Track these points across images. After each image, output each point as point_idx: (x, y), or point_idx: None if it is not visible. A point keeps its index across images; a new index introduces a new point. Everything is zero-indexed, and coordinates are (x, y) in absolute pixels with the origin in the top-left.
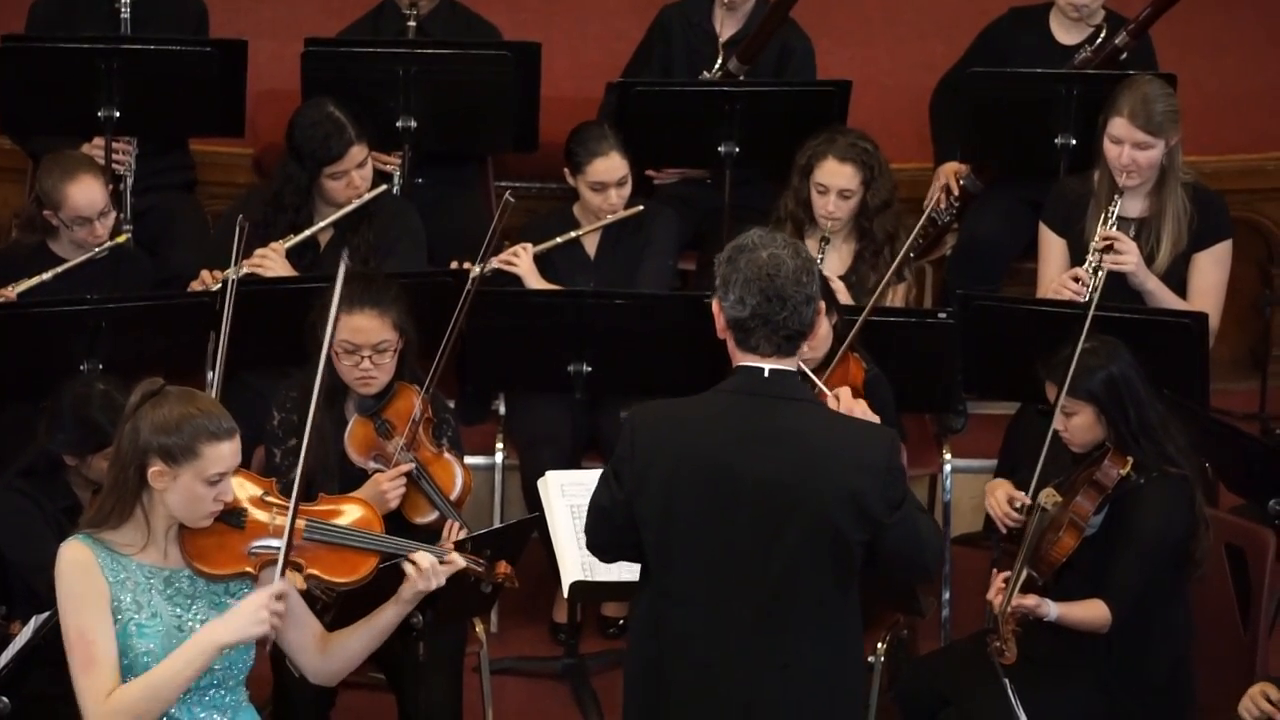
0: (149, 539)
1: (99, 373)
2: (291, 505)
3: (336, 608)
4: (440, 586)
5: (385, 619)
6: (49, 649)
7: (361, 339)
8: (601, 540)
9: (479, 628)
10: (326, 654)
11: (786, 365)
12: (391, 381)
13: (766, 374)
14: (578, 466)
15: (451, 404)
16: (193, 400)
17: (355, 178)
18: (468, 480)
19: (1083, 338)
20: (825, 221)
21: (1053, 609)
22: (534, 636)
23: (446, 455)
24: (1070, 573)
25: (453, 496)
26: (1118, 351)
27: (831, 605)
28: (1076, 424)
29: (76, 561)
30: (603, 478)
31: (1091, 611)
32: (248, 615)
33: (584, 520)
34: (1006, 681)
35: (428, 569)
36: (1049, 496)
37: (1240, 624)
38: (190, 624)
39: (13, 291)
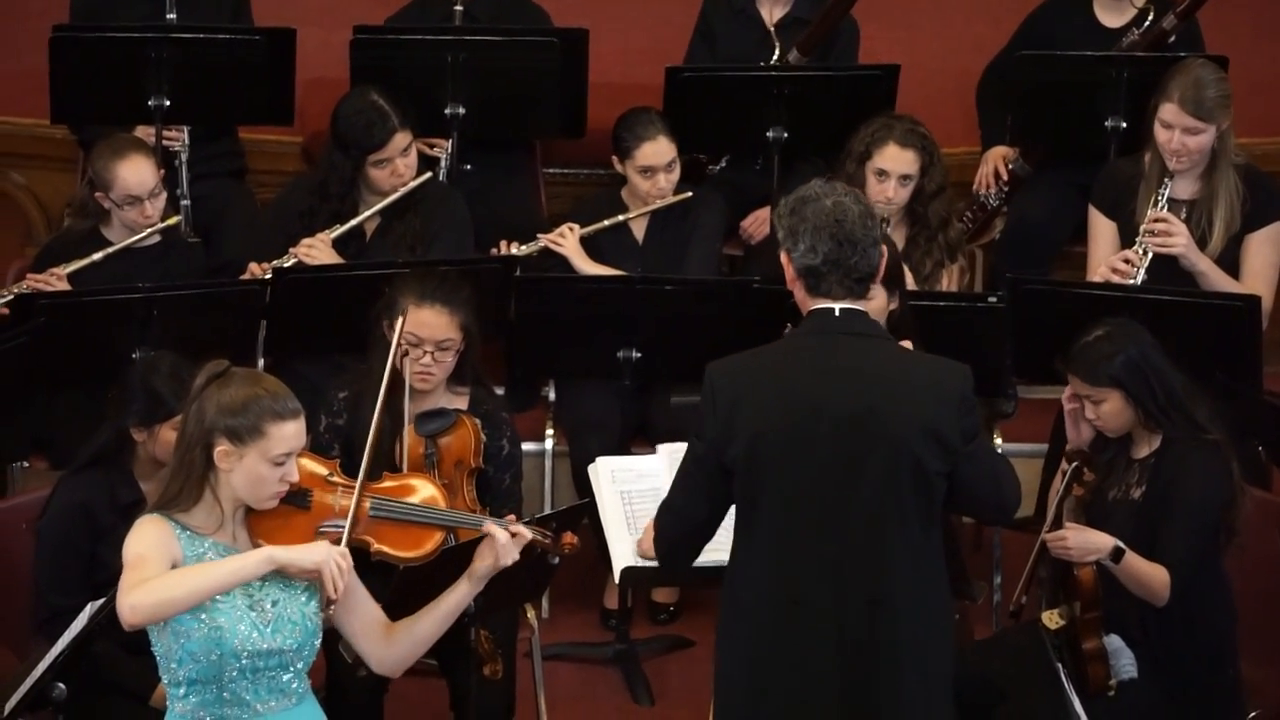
0: (222, 520)
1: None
2: (359, 481)
3: (394, 593)
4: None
5: (455, 598)
6: (104, 636)
7: (426, 333)
8: (692, 507)
9: (530, 613)
10: (391, 640)
11: (858, 306)
12: (455, 412)
13: (837, 313)
14: (627, 453)
15: (500, 390)
16: (258, 381)
17: (399, 165)
18: None
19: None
20: (882, 207)
21: (1120, 548)
22: (585, 622)
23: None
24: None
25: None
26: (1130, 330)
27: (916, 542)
28: (1106, 410)
29: (155, 526)
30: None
31: (1156, 572)
32: (312, 547)
33: (634, 506)
34: (1060, 666)
35: (505, 544)
36: (1052, 619)
37: None
38: (261, 601)
39: (63, 272)
